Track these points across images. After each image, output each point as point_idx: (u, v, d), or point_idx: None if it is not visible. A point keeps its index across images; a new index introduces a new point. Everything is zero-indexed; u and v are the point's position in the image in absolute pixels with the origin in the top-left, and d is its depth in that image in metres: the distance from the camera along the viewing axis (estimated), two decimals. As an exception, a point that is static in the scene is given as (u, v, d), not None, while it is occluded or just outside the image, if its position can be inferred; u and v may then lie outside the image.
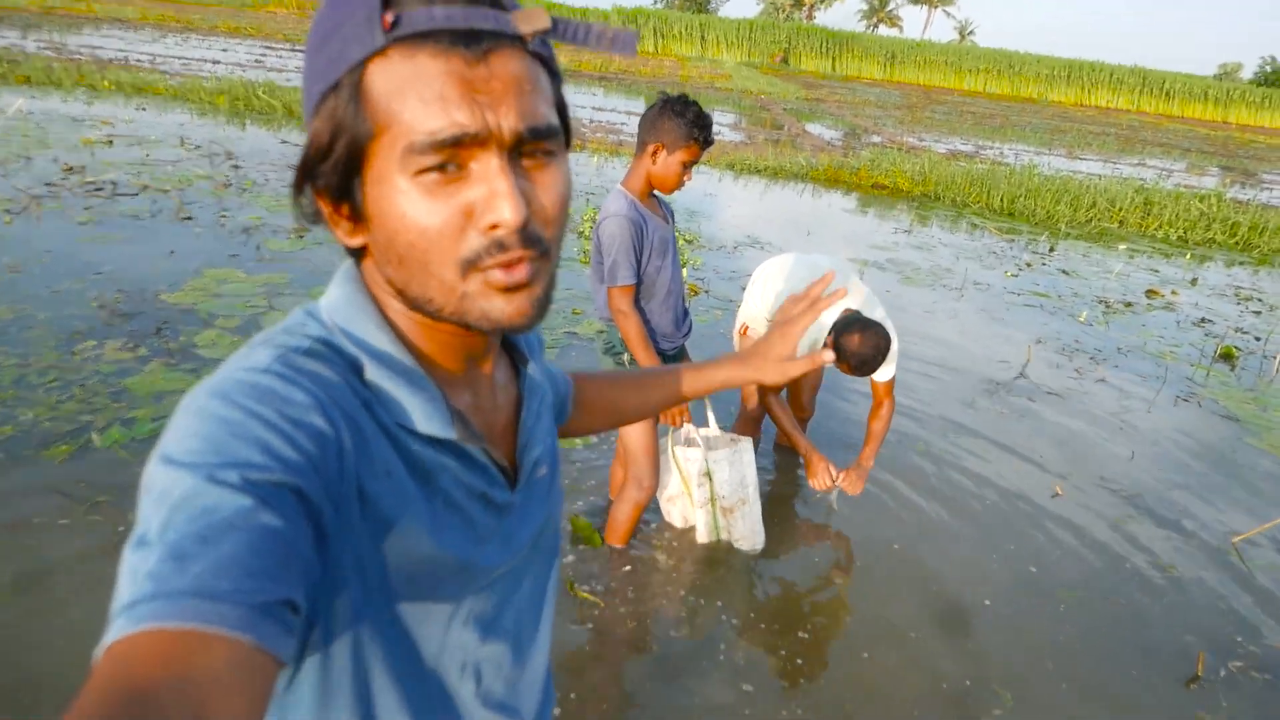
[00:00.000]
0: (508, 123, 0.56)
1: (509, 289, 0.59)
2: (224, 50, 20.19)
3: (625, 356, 2.54)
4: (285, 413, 0.53)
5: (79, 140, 8.12)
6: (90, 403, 3.27)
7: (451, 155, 0.55)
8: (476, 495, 0.67)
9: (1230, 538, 3.40)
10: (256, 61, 18.07)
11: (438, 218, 0.56)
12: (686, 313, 2.68)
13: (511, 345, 0.79)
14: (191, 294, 4.53)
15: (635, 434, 2.57)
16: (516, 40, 0.57)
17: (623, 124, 14.34)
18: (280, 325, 0.62)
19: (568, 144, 0.64)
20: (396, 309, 0.64)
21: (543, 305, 0.62)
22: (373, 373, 0.61)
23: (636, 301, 2.46)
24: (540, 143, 0.59)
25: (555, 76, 0.62)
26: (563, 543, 2.83)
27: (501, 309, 0.59)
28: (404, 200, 0.56)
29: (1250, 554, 3.31)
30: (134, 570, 0.45)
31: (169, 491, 0.48)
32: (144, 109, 10.50)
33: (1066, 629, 2.73)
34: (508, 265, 0.58)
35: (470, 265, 0.58)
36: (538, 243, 0.59)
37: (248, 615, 0.44)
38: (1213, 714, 2.44)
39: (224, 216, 6.14)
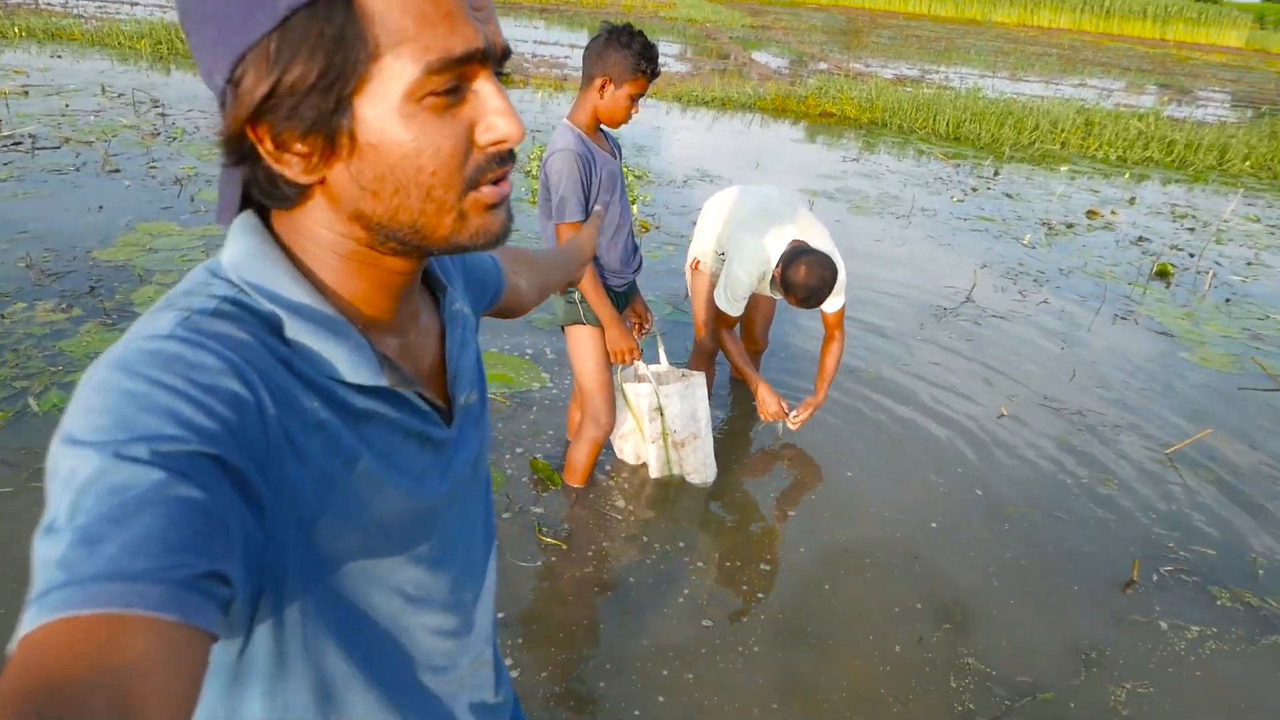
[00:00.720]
0: (498, 40, 0.57)
1: (496, 204, 0.59)
2: (140, -11, 19.08)
3: (574, 295, 2.53)
4: (195, 379, 0.50)
5: (-10, 91, 7.68)
6: (24, 367, 3.16)
7: (461, 76, 0.55)
8: (414, 435, 0.66)
9: (1164, 449, 3.55)
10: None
11: (449, 140, 0.55)
12: (636, 249, 2.67)
13: (429, 274, 0.76)
14: (124, 250, 4.37)
15: (590, 373, 2.58)
16: None
17: (566, 58, 13.98)
18: (180, 286, 0.59)
19: None
20: (319, 255, 0.61)
21: (512, 215, 0.63)
22: (292, 328, 0.58)
23: None
24: (504, 61, 0.60)
25: None
26: (527, 487, 2.85)
27: (491, 224, 0.59)
28: (413, 124, 0.54)
29: (1183, 464, 3.46)
30: (44, 559, 0.44)
31: (75, 473, 0.46)
32: (59, 56, 9.94)
33: (1012, 546, 2.85)
34: (498, 180, 0.58)
35: (471, 184, 0.57)
36: (513, 156, 0.60)
37: (168, 592, 0.43)
38: (1146, 616, 2.58)
39: (154, 167, 5.89)
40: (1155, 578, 2.76)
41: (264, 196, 0.58)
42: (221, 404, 0.50)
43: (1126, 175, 9.32)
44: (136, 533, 0.43)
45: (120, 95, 8.09)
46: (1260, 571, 2.84)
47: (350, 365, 0.60)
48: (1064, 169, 9.23)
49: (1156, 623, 2.55)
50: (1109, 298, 5.33)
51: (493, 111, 0.56)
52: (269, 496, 0.53)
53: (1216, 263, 6.35)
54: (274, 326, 0.58)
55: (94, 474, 0.45)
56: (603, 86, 2.31)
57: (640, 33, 2.28)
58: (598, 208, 1.14)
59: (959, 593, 2.59)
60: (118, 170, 5.74)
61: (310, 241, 0.60)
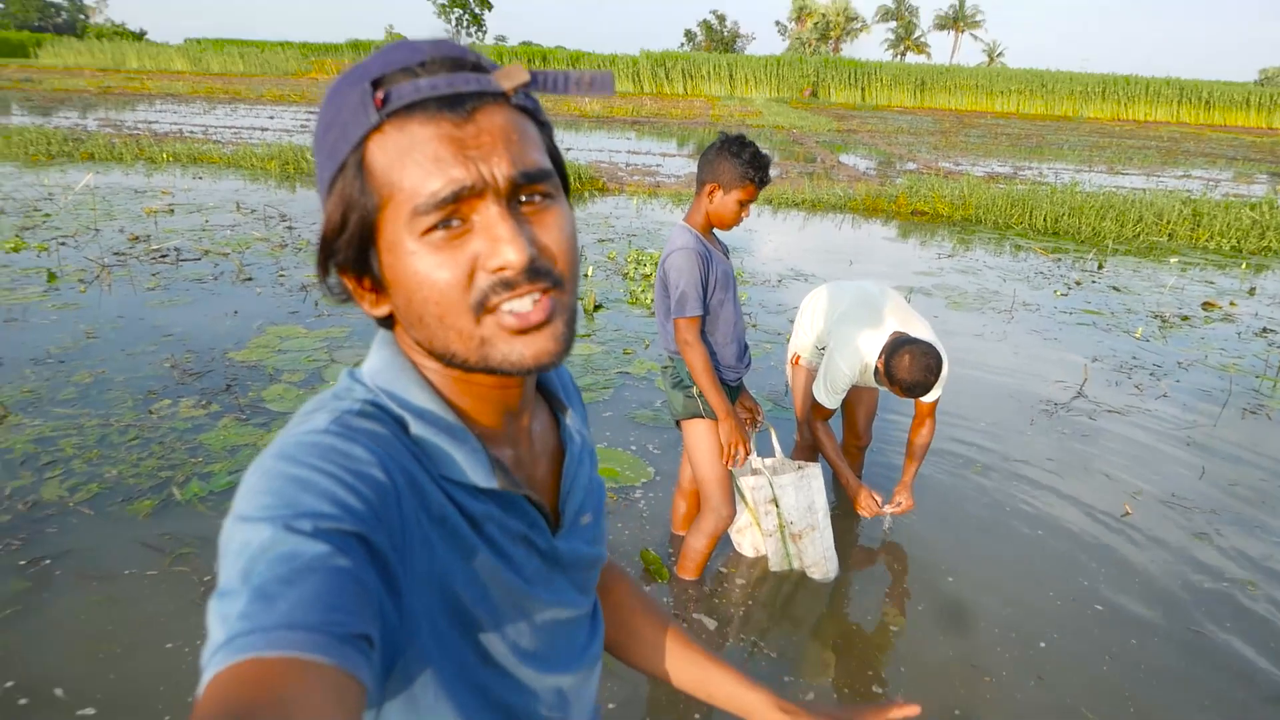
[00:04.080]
0: (500, 170, 0.59)
1: (525, 330, 0.61)
2: (271, 118, 20.99)
3: (694, 389, 2.58)
4: (348, 466, 0.56)
5: (142, 210, 8.51)
6: (169, 459, 3.40)
7: (453, 211, 0.59)
8: (519, 538, 0.70)
9: (1314, 551, 3.29)
10: (302, 126, 18.75)
11: (447, 271, 0.59)
12: (746, 346, 2.72)
13: (550, 395, 0.82)
14: (257, 351, 4.70)
15: (708, 464, 2.60)
16: (500, 97, 0.61)
17: (658, 165, 14.55)
18: (329, 392, 0.67)
19: (566, 189, 0.67)
20: (432, 368, 0.68)
21: (567, 340, 0.64)
22: (417, 429, 0.64)
23: (702, 334, 2.51)
24: (535, 186, 0.62)
25: (544, 126, 0.67)
26: (632, 578, 2.85)
27: (522, 351, 0.62)
28: (415, 260, 0.60)
29: (1336, 567, 3.20)
30: (224, 615, 0.49)
31: (249, 543, 0.51)
32: (200, 177, 10.96)
33: (1147, 659, 2.66)
34: (520, 304, 0.61)
35: (481, 307, 0.60)
36: (547, 275, 0.61)
37: (334, 643, 0.48)
38: (1311, 733, 2.36)
39: (282, 275, 6.37)
40: (1317, 693, 2.52)
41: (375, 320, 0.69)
42: (369, 489, 0.56)
43: (1244, 265, 8.95)
44: (305, 593, 0.49)
45: (253, 211, 8.82)
46: None
47: (467, 466, 0.66)
48: (1173, 260, 8.94)
49: (1323, 743, 2.32)
50: (1235, 391, 5.06)
51: (491, 239, 0.59)
52: (402, 578, 0.58)
53: (1353, 354, 5.97)
54: (404, 426, 0.65)
55: (266, 543, 0.51)
56: (712, 191, 2.43)
57: (752, 143, 2.41)
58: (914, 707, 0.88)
59: (1091, 704, 2.42)
60: (250, 279, 6.22)
61: (421, 356, 0.68)
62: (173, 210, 8.64)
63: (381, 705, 0.62)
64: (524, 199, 0.62)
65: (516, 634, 0.70)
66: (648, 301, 6.14)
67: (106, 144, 12.75)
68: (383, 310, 0.66)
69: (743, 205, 2.42)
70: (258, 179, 11.13)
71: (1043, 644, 2.67)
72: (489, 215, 0.59)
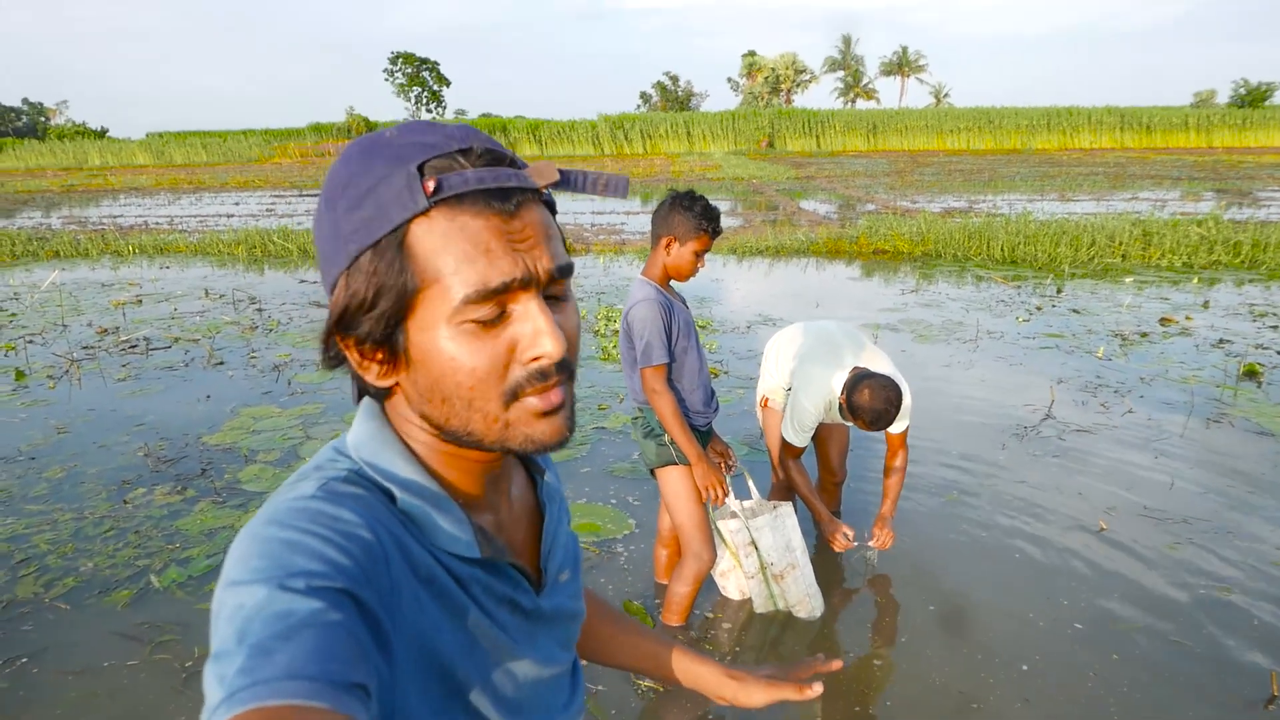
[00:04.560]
0: (543, 265, 0.63)
1: (547, 413, 0.65)
2: (236, 204, 21.14)
3: (665, 437, 2.63)
4: (336, 528, 0.58)
5: (110, 303, 8.50)
6: (145, 547, 3.37)
7: (500, 301, 0.62)
8: (505, 602, 0.73)
9: (1285, 551, 3.36)
10: (267, 210, 18.89)
11: (485, 358, 0.62)
12: (713, 392, 2.78)
13: (526, 458, 0.84)
14: (231, 434, 4.69)
15: (685, 511, 2.63)
16: (535, 192, 0.65)
17: (622, 224, 14.79)
18: (313, 463, 0.68)
19: None
20: (421, 440, 0.70)
21: (574, 422, 0.69)
22: (402, 499, 0.66)
23: (669, 382, 2.57)
24: (563, 280, 0.66)
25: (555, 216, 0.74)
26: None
27: (543, 432, 0.65)
28: (452, 345, 0.62)
29: (1308, 565, 3.26)
30: (221, 675, 0.49)
31: (242, 605, 0.52)
32: (168, 267, 10.98)
33: (1130, 670, 2.69)
34: (544, 392, 0.64)
35: (513, 396, 0.64)
36: (567, 367, 0.66)
37: (335, 691, 0.49)
38: (1296, 730, 2.39)
39: (253, 357, 6.37)
40: (1299, 689, 2.56)
41: (365, 390, 0.71)
42: (357, 549, 0.58)
43: (1195, 280, 9.21)
44: (303, 646, 0.50)
45: (221, 296, 8.85)
46: None
47: (451, 535, 0.67)
48: (1129, 280, 9.19)
49: (1310, 739, 2.35)
50: (1198, 402, 5.19)
51: (532, 332, 0.63)
52: (392, 636, 0.59)
53: (1307, 358, 6.15)
54: (391, 496, 0.67)
55: (260, 603, 0.52)
56: (668, 245, 2.53)
57: (701, 197, 2.52)
58: (837, 661, 1.00)
59: None
60: (222, 362, 6.23)
61: (411, 427, 0.70)
62: (141, 301, 8.64)
63: None
64: (549, 290, 0.65)
65: (502, 691, 0.71)
66: (619, 356, 6.20)
67: (71, 240, 12.77)
68: (387, 382, 0.67)
69: (698, 256, 2.51)
70: (225, 264, 11.18)
71: (1025, 666, 2.69)
72: (530, 308, 0.63)
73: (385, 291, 0.61)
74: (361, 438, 0.69)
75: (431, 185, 0.59)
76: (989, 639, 2.83)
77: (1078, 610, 2.98)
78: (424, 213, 0.60)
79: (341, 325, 0.64)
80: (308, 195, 23.58)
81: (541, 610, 0.77)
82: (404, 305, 0.62)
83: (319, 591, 0.53)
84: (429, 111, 72.22)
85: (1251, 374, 5.74)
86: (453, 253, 0.60)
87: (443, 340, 0.62)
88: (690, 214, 2.47)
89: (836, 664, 0.96)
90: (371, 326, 0.63)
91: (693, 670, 1.01)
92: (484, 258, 0.60)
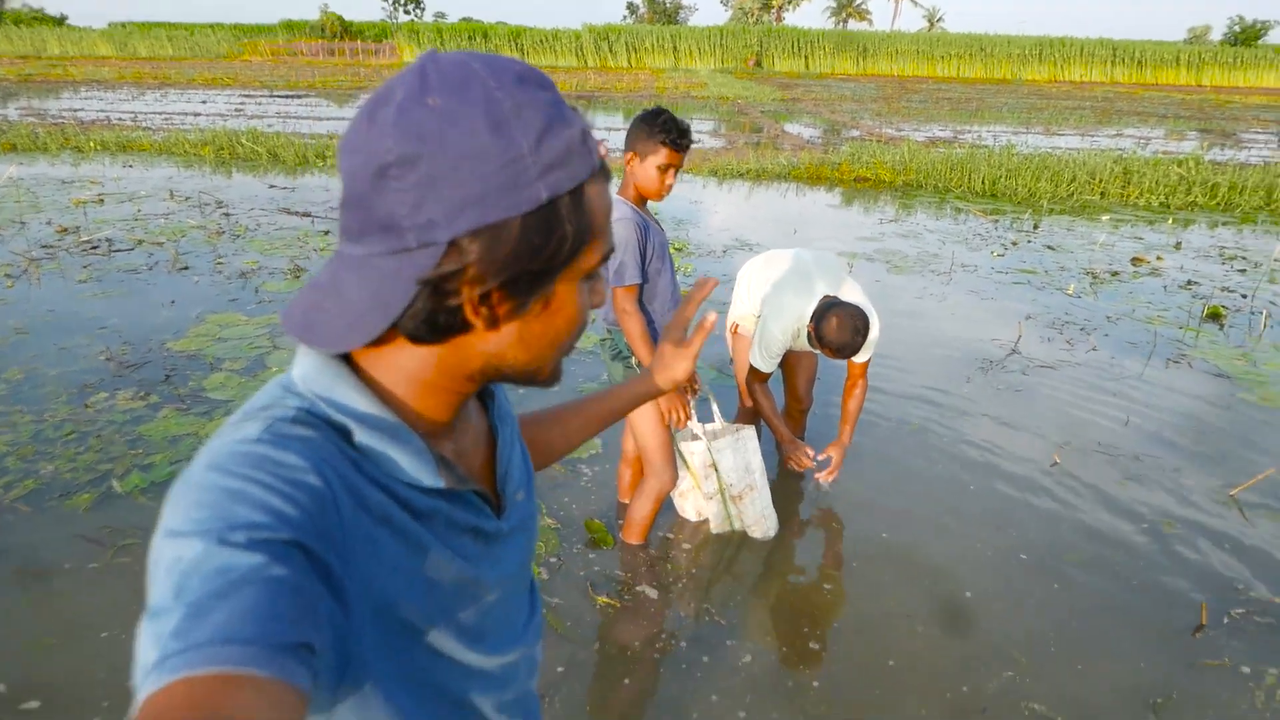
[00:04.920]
0: None
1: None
2: (204, 102, 20.40)
3: (632, 360, 2.63)
4: (281, 475, 0.56)
5: (70, 201, 8.25)
6: (107, 452, 3.35)
7: None
8: (469, 529, 0.72)
9: (1228, 490, 3.48)
10: (236, 110, 18.26)
11: (584, 306, 0.69)
12: None
13: None
14: (196, 340, 4.63)
15: (648, 432, 2.66)
16: None
17: (604, 139, 14.32)
18: (257, 401, 0.65)
19: None
20: (393, 375, 0.66)
21: None
22: (361, 435, 0.64)
23: (640, 303, 2.56)
24: None
25: None
26: (581, 549, 2.91)
27: (561, 366, 0.73)
28: (579, 297, 0.67)
29: (1248, 504, 3.38)
30: (156, 635, 0.48)
31: (179, 559, 0.50)
32: (131, 166, 10.64)
33: (1073, 596, 2.80)
34: None
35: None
36: None
37: (271, 655, 0.47)
38: (1218, 660, 2.51)
39: (220, 263, 6.25)
40: (1226, 621, 2.68)
41: (415, 330, 0.62)
42: (305, 497, 0.56)
43: (1170, 221, 9.25)
44: (241, 606, 0.48)
45: (187, 198, 8.61)
46: (1338, 611, 2.75)
47: (412, 468, 0.66)
48: (1105, 218, 9.21)
49: (1233, 667, 2.48)
50: (1160, 343, 5.27)
51: (601, 285, 0.71)
52: (346, 582, 0.58)
53: (1271, 302, 6.25)
54: (344, 433, 0.64)
55: (198, 558, 0.50)
56: (630, 161, 2.48)
57: (664, 110, 2.45)
58: (712, 279, 1.05)
59: (1021, 646, 2.55)
60: (187, 268, 6.10)
61: (389, 363, 0.66)
62: (103, 200, 8.39)
63: (334, 708, 0.62)
64: None
65: (465, 622, 0.72)
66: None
67: (29, 134, 12.29)
68: (496, 329, 0.64)
69: (663, 171, 2.46)
70: (191, 165, 10.85)
71: (969, 594, 2.78)
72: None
73: (572, 239, 0.62)
74: (310, 371, 0.65)
75: (602, 150, 0.65)
76: (937, 566, 2.92)
77: (1025, 541, 3.08)
78: (594, 175, 0.64)
79: (499, 270, 0.60)
80: (279, 96, 22.79)
81: (503, 532, 0.77)
82: (572, 257, 0.64)
83: (262, 544, 0.52)
84: (407, 13, 69.49)
85: (1215, 316, 5.83)
86: (602, 215, 0.65)
87: (576, 291, 0.66)
88: (651, 127, 2.42)
89: (713, 282, 1.02)
90: (530, 277, 0.62)
91: (633, 389, 1.10)
92: (608, 225, 0.67)
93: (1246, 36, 62.92)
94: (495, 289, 0.61)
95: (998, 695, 2.33)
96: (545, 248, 0.61)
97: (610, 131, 16.05)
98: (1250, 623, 2.68)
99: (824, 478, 3.11)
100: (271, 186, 9.57)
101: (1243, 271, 7.15)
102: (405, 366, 0.66)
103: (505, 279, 0.60)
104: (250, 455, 0.57)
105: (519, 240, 0.59)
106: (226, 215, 7.90)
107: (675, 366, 1.06)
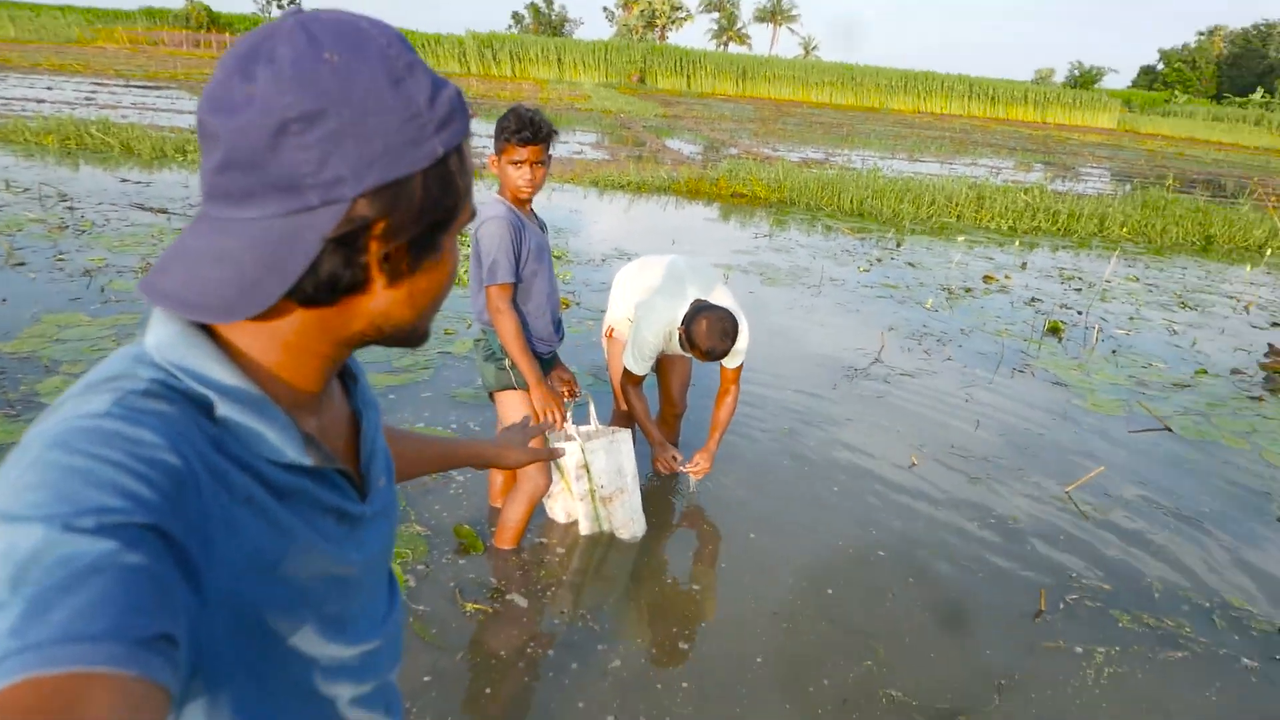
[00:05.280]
0: None
1: None
2: (49, 89, 18.88)
3: (505, 361, 2.60)
4: (136, 453, 0.51)
5: (-116, 188, 7.45)
6: (-80, 461, 3.03)
7: None
8: (332, 510, 0.69)
9: (1064, 488, 3.76)
10: (87, 99, 16.98)
11: (457, 264, 0.71)
12: (560, 321, 2.77)
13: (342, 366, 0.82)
14: (30, 341, 4.26)
15: None
16: None
17: (485, 147, 14.30)
18: (102, 371, 0.59)
19: None
20: (258, 343, 0.63)
21: None
22: (223, 409, 0.60)
23: (515, 304, 2.53)
24: None
25: None
26: (451, 556, 2.84)
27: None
28: (456, 252, 0.69)
29: (1081, 500, 3.66)
30: None
31: (16, 547, 0.45)
32: (-41, 153, 9.71)
33: (925, 589, 2.96)
34: None
35: None
36: None
37: (129, 650, 0.44)
38: (1054, 642, 2.70)
39: (61, 260, 5.78)
40: (1062, 606, 2.89)
41: (310, 293, 0.59)
42: (161, 477, 0.52)
43: (1017, 243, 9.96)
44: (90, 598, 0.44)
45: (25, 189, 7.93)
46: (1156, 595, 3.01)
47: (278, 444, 0.62)
48: (960, 239, 9.81)
49: (1068, 648, 2.67)
50: (1007, 354, 5.66)
51: (457, 251, 0.71)
52: (204, 567, 0.54)
53: (1102, 318, 6.81)
54: (203, 407, 0.59)
55: (39, 546, 0.45)
56: (492, 162, 2.49)
57: (517, 106, 2.46)
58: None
59: (879, 637, 2.67)
60: (23, 263, 5.61)
61: (259, 329, 0.62)
62: (-76, 189, 7.62)
63: (184, 703, 0.57)
64: None
65: (326, 607, 0.69)
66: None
67: None
68: (396, 286, 0.64)
69: (516, 166, 2.45)
70: (32, 155, 10.00)
71: (831, 590, 2.89)
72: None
73: (463, 193, 0.65)
74: (165, 340, 0.60)
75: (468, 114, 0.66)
76: (802, 564, 3.01)
77: (884, 538, 3.22)
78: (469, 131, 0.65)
79: (409, 225, 0.61)
80: (136, 86, 21.38)
81: (366, 517, 0.75)
82: (458, 210, 0.65)
83: (113, 530, 0.47)
84: (280, 7, 66.63)
85: (1054, 331, 6.31)
86: (472, 174, 0.67)
87: (455, 245, 0.68)
88: (502, 126, 2.43)
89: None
90: (427, 231, 0.63)
91: (472, 451, 1.21)
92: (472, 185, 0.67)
93: (1084, 80, 68.79)
94: (400, 245, 0.61)
95: (857, 685, 2.43)
96: (445, 202, 0.62)
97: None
98: (1082, 607, 2.90)
99: (693, 474, 3.16)
100: (124, 180, 8.94)
101: (1078, 290, 7.77)
102: (279, 332, 0.63)
103: (412, 234, 0.61)
104: (99, 431, 0.52)
105: (423, 195, 0.60)
106: (71, 209, 7.32)
107: (514, 455, 1.25)
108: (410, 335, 0.69)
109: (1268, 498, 3.90)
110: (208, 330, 0.63)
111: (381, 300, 0.64)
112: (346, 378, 0.82)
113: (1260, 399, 5.25)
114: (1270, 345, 6.25)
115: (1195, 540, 3.43)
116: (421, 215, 0.61)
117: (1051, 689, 2.48)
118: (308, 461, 0.65)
